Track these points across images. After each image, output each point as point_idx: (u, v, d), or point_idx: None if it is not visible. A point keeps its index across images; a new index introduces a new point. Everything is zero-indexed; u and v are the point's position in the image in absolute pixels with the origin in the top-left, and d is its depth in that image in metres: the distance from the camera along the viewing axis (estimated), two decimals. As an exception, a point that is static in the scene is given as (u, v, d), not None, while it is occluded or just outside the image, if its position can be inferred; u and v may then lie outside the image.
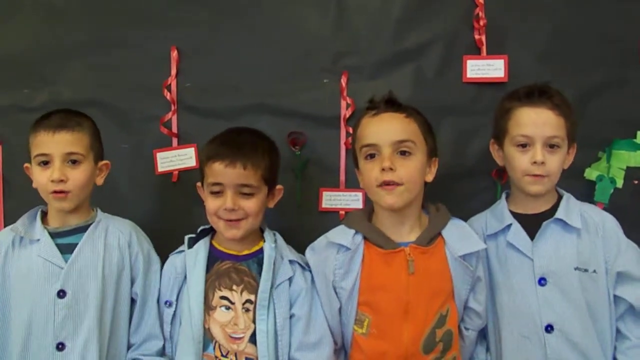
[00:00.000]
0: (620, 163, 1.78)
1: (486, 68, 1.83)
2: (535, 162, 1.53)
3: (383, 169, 1.47)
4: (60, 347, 1.52)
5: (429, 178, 1.56)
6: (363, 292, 1.53)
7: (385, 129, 1.50)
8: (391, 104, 1.55)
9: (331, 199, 1.87)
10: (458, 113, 1.85)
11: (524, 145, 1.55)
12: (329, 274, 1.54)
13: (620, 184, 1.78)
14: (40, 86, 1.93)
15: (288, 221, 1.81)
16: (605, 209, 1.73)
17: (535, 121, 1.54)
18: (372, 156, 1.51)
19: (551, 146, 1.54)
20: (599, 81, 1.82)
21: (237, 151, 1.52)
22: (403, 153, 1.49)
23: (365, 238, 1.54)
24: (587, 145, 1.77)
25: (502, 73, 1.82)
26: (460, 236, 1.54)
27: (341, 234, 1.56)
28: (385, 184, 1.47)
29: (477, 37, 1.84)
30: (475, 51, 1.85)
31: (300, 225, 1.82)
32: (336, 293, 1.55)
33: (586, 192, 1.78)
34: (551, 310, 1.53)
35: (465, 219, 1.64)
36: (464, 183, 1.84)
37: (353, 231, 1.55)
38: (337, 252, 1.54)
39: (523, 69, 1.81)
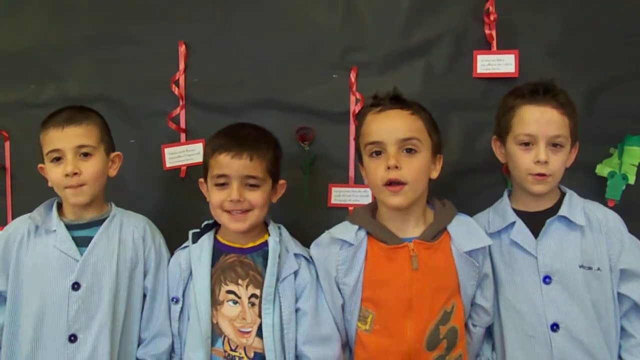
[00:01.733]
0: (632, 159, 1.76)
1: (496, 63, 1.82)
2: (538, 161, 1.51)
3: (388, 167, 1.46)
4: (73, 338, 1.52)
5: (434, 175, 1.54)
6: (366, 288, 1.52)
7: (391, 127, 1.49)
8: (396, 101, 1.53)
9: (340, 195, 1.87)
10: (468, 108, 1.84)
11: (527, 144, 1.54)
12: (332, 270, 1.54)
13: (632, 180, 1.76)
14: (46, 81, 1.94)
15: (297, 217, 1.80)
16: (616, 206, 1.72)
17: (540, 120, 1.52)
18: (377, 153, 1.50)
19: (554, 145, 1.52)
20: (610, 76, 1.80)
21: (243, 143, 1.53)
22: (409, 151, 1.48)
23: (369, 234, 1.53)
24: (598, 141, 1.76)
25: (513, 68, 1.81)
26: (466, 232, 1.53)
27: (344, 230, 1.55)
28: (390, 183, 1.46)
29: (487, 32, 1.82)
30: (485, 46, 1.83)
31: (309, 221, 1.81)
32: (339, 289, 1.54)
33: (597, 189, 1.77)
34: (556, 308, 1.52)
35: (474, 215, 1.63)
36: (474, 179, 1.83)
37: (356, 227, 1.54)
38: (339, 248, 1.54)
39: (534, 64, 1.80)
